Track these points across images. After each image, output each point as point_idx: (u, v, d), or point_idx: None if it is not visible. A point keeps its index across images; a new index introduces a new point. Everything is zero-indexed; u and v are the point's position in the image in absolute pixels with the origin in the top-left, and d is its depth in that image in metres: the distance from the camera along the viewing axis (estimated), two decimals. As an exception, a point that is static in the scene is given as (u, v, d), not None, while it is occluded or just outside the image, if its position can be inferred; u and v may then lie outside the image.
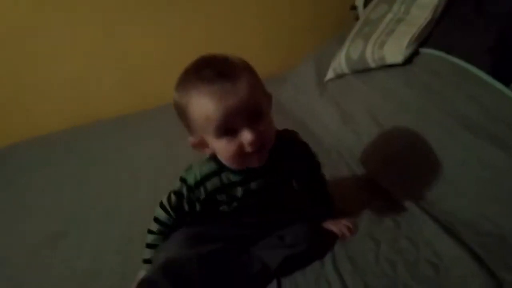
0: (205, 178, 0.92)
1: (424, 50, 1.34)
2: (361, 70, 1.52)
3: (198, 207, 0.95)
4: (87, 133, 2.02)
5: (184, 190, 0.93)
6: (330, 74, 1.68)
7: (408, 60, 1.35)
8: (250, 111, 0.80)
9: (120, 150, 1.79)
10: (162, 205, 0.97)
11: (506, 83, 1.07)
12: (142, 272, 0.96)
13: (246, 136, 0.80)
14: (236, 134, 0.81)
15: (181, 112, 0.85)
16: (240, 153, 0.82)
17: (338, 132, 1.43)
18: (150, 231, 0.99)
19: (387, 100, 1.32)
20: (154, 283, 0.87)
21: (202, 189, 0.92)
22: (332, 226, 1.01)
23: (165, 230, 0.98)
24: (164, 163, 1.56)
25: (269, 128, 0.85)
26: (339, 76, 1.64)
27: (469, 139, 1.02)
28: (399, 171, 1.13)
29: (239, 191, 0.93)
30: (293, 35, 2.35)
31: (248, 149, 0.81)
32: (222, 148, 0.83)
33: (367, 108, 1.36)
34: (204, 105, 0.79)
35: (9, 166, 1.87)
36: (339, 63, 1.61)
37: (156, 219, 0.98)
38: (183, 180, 0.93)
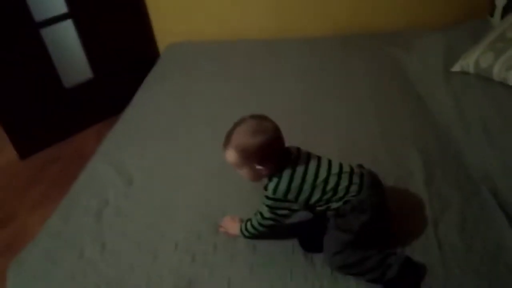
0: None
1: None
2: (484, 77, 1.96)
3: None
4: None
5: None
6: (457, 67, 2.10)
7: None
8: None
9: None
10: None
11: None
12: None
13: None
14: None
15: None
16: None
17: (450, 125, 1.86)
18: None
19: (500, 115, 1.77)
20: None
21: None
22: None
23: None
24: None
25: (245, 175, 1.33)
26: (464, 73, 2.07)
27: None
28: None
29: None
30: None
31: None
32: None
33: (482, 115, 1.81)
34: None
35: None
36: (468, 63, 2.03)
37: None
38: None
